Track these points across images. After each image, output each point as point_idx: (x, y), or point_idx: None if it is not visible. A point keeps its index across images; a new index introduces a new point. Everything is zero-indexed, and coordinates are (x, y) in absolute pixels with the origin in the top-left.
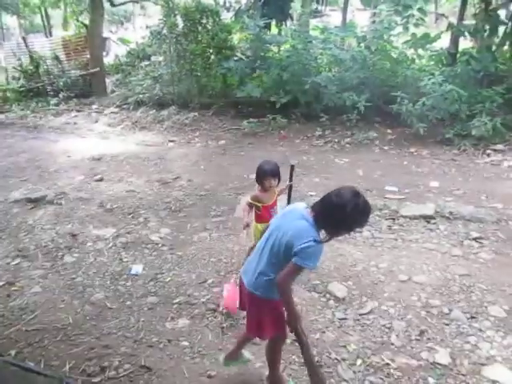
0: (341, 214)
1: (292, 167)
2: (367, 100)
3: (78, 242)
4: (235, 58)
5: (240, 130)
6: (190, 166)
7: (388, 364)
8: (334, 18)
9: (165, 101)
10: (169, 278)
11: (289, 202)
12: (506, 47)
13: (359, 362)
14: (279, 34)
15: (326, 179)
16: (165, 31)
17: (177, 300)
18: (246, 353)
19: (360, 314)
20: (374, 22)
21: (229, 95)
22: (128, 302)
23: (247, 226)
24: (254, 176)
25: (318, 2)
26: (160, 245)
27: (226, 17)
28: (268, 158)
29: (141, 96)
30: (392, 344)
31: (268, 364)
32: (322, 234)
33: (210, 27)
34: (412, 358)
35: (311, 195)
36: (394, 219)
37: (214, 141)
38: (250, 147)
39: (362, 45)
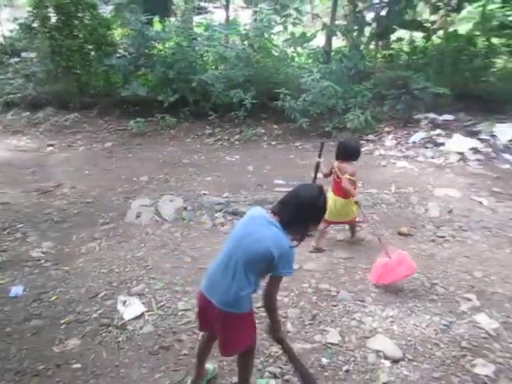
0: (311, 208)
1: (322, 144)
2: (253, 97)
3: None
4: (118, 55)
5: (127, 131)
6: (72, 172)
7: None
8: (217, 15)
9: (40, 101)
10: (54, 297)
11: (315, 179)
12: (371, 46)
13: (258, 354)
14: (163, 30)
15: (218, 177)
16: (36, 24)
17: (65, 319)
18: (209, 364)
19: (257, 307)
20: (255, 20)
21: (113, 94)
22: (7, 329)
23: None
24: (144, 178)
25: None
26: (43, 261)
27: (105, 11)
28: (158, 158)
29: (11, 96)
30: (288, 332)
31: (241, 379)
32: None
33: (87, 21)
34: (306, 342)
35: (204, 194)
36: None
37: (98, 143)
38: (138, 148)
39: (246, 42)
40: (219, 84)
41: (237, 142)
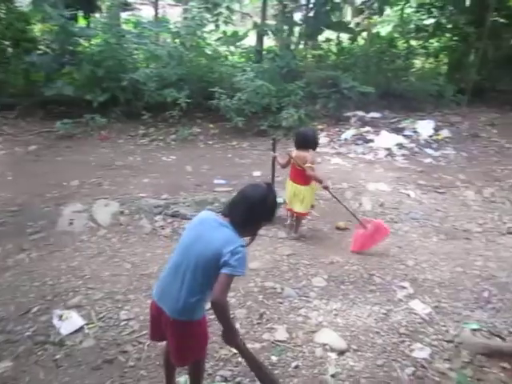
0: (263, 207)
1: (274, 140)
2: (188, 96)
3: None
4: (39, 52)
5: (53, 133)
6: None
7: (235, 354)
8: (144, 12)
9: None
10: None
11: (273, 172)
12: (301, 46)
13: (208, 358)
14: (88, 26)
15: (155, 179)
16: None
17: None
18: (181, 377)
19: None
20: (185, 18)
21: (35, 93)
22: None
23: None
24: (75, 182)
25: None
26: None
27: (22, 4)
28: (89, 161)
29: None
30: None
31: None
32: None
33: (2, 15)
34: (255, 341)
35: (142, 196)
36: None
37: (22, 146)
38: (67, 151)
39: (177, 41)
40: (151, 83)
41: (173, 142)
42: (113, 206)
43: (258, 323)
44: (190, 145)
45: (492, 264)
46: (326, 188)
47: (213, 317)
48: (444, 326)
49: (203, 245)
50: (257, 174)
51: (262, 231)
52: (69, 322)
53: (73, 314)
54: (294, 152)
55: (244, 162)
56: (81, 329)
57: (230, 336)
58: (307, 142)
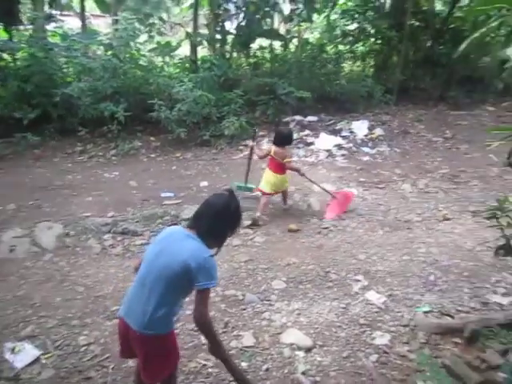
0: (227, 215)
1: (254, 131)
2: (126, 109)
3: None
4: None
5: None
6: None
7: (205, 365)
8: (68, 24)
9: None
10: None
11: (249, 160)
12: (235, 54)
13: (178, 372)
14: (10, 39)
15: (99, 196)
16: None
17: None
18: None
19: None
20: (117, 29)
21: None
22: None
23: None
24: (11, 206)
25: (51, 6)
26: None
27: None
28: (25, 182)
29: None
30: (203, 344)
31: None
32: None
33: None
34: None
35: (87, 216)
36: (176, 224)
37: None
38: None
39: (110, 53)
40: (86, 97)
41: (114, 158)
42: (56, 229)
43: (224, 332)
44: (132, 159)
45: (434, 249)
46: (303, 175)
47: (178, 330)
48: (399, 311)
49: (169, 257)
50: (204, 184)
51: None
52: (23, 354)
53: (26, 345)
54: (273, 148)
55: (190, 174)
56: (37, 360)
57: (217, 349)
58: (284, 140)
